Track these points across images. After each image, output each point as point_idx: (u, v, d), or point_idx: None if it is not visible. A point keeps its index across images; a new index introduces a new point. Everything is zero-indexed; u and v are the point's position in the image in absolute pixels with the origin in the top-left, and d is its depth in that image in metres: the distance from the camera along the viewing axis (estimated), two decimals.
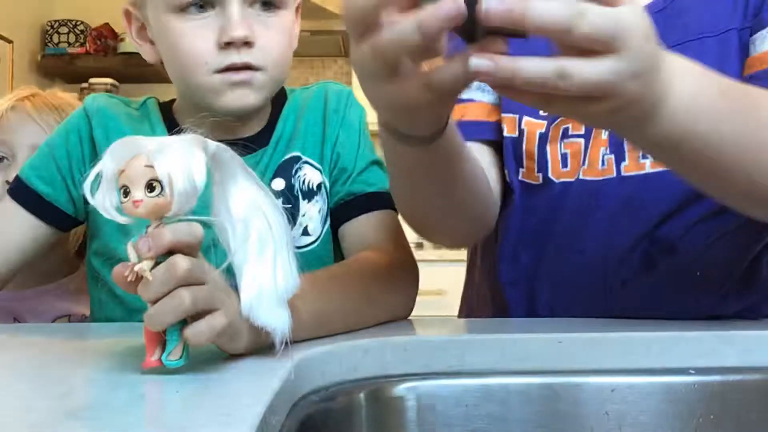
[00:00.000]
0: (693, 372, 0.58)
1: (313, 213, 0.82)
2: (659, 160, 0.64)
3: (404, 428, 0.57)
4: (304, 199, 0.82)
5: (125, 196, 0.46)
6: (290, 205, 0.81)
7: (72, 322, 1.05)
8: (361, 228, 0.82)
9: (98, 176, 0.47)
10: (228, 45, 0.76)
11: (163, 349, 0.47)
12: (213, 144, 0.49)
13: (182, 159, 0.46)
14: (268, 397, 0.42)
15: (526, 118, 0.81)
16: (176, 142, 0.47)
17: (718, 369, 0.58)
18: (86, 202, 0.84)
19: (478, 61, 0.44)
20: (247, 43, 0.76)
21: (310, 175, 0.83)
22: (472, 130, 0.82)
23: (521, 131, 0.81)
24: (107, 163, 0.46)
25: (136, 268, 0.46)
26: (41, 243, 0.83)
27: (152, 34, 0.82)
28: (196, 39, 0.77)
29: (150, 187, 0.45)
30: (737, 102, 0.57)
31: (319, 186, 0.83)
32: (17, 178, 0.84)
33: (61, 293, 1.06)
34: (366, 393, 0.56)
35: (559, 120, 0.80)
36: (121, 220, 0.47)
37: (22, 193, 0.83)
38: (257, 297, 0.50)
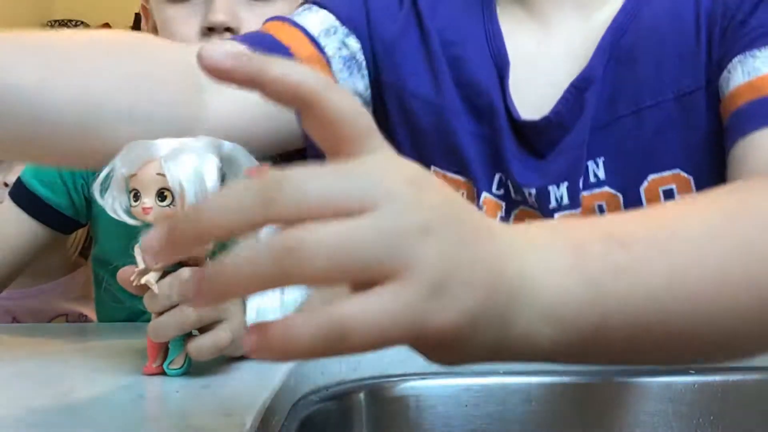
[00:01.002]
0: (693, 372, 0.58)
1: None
2: (596, 361, 0.39)
3: (404, 428, 0.57)
4: None
5: (135, 200, 0.45)
6: None
7: (69, 322, 1.05)
8: None
9: (108, 178, 0.47)
10: (210, 31, 0.76)
11: (165, 357, 0.47)
12: (227, 145, 0.48)
13: (194, 168, 0.45)
14: (268, 397, 0.42)
15: (485, 195, 0.70)
16: (189, 147, 0.46)
17: (718, 369, 0.58)
18: (88, 206, 0.84)
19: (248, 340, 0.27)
20: (229, 29, 0.76)
21: None
22: None
23: (480, 207, 0.70)
24: (118, 167, 0.46)
25: (142, 280, 0.45)
26: (41, 245, 0.83)
27: (155, 23, 0.83)
28: (181, 25, 0.77)
29: (161, 195, 0.45)
30: (655, 241, 0.34)
31: None
32: (18, 181, 0.84)
33: (60, 293, 1.06)
34: (366, 393, 0.56)
35: (518, 210, 0.70)
36: (130, 222, 0.46)
37: (22, 196, 0.83)
38: (262, 307, 0.49)
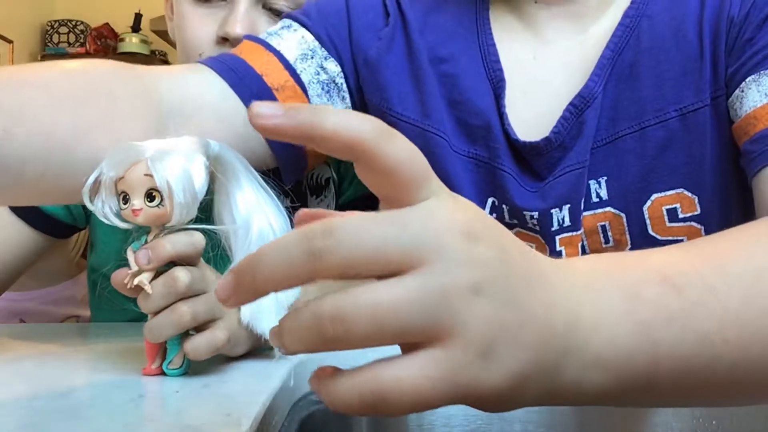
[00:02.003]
0: None
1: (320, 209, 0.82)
2: (647, 405, 0.40)
3: (404, 428, 0.57)
4: (312, 195, 0.82)
5: (125, 203, 0.45)
6: (298, 204, 0.80)
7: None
8: None
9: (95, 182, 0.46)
10: (225, 40, 0.75)
11: (164, 357, 0.47)
12: (215, 145, 0.48)
13: (182, 168, 0.45)
14: (268, 397, 0.42)
15: None
16: (176, 147, 0.46)
17: None
18: (87, 212, 0.84)
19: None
20: None
21: (318, 169, 0.82)
22: None
23: None
24: (106, 170, 0.46)
25: (135, 281, 0.45)
26: (39, 250, 0.83)
27: (172, 11, 0.82)
28: (197, 28, 0.77)
29: (149, 196, 0.45)
30: (707, 283, 0.33)
31: (327, 181, 0.82)
32: None
33: (67, 295, 1.06)
34: None
35: (514, 232, 0.69)
36: (122, 225, 0.46)
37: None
38: (257, 305, 0.49)
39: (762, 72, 0.60)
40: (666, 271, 0.33)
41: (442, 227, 0.28)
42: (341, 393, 0.27)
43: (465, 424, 0.57)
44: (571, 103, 0.65)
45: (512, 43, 0.69)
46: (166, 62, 3.04)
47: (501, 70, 0.68)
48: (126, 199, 0.45)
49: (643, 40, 0.65)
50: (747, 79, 0.60)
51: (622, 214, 0.65)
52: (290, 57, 0.68)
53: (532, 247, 0.42)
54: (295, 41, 0.69)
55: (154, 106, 0.58)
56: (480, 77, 0.68)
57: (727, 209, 0.65)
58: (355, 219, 0.27)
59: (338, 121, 0.29)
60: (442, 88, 0.69)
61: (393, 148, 0.29)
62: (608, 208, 0.65)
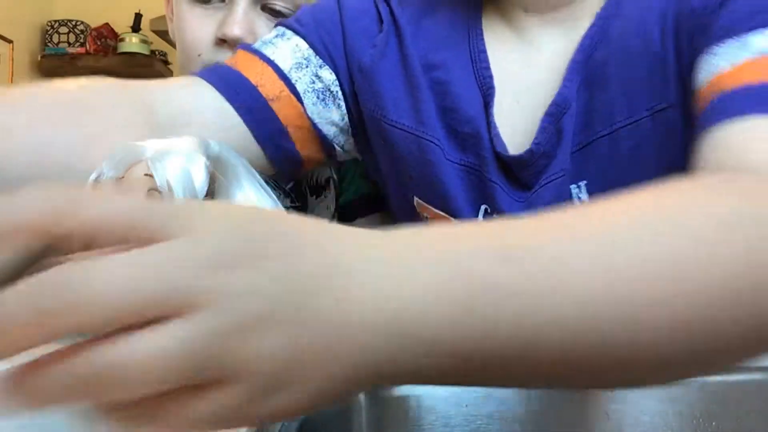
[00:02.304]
0: None
1: (321, 209, 0.82)
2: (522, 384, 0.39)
3: (404, 428, 0.57)
4: (312, 195, 0.82)
5: None
6: (298, 204, 0.80)
7: None
8: None
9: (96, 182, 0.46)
10: (223, 42, 0.75)
11: None
12: (216, 145, 0.48)
13: (182, 168, 0.45)
14: None
15: None
16: (176, 147, 0.46)
17: None
18: None
19: None
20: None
21: (318, 169, 0.82)
22: None
23: None
24: (106, 170, 0.46)
25: None
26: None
27: (172, 12, 0.83)
28: (196, 29, 0.77)
29: (150, 196, 0.45)
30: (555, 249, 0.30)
31: (327, 181, 0.82)
32: None
33: None
34: (366, 393, 0.56)
35: None
36: None
37: None
38: None
39: (714, 45, 0.58)
40: (503, 242, 0.29)
41: (188, 266, 0.24)
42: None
43: (465, 424, 0.57)
44: (546, 113, 0.65)
45: (502, 50, 0.69)
46: (166, 62, 3.04)
47: (491, 77, 0.68)
48: None
49: (612, 41, 0.64)
50: (706, 54, 0.58)
51: None
52: (285, 66, 0.68)
53: None
54: (289, 50, 0.69)
55: (148, 120, 0.58)
56: (470, 84, 0.68)
57: None
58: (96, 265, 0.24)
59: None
60: (434, 96, 0.69)
61: (87, 214, 0.24)
62: None
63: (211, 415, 0.24)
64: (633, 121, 0.63)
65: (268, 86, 0.67)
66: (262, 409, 0.25)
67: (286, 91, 0.68)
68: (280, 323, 0.25)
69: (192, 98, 0.64)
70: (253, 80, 0.67)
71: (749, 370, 0.58)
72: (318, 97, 0.69)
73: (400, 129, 0.69)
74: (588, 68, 0.65)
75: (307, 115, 0.69)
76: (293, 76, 0.68)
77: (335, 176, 0.82)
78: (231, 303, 0.24)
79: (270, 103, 0.67)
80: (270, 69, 0.68)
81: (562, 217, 0.32)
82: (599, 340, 0.28)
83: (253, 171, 0.51)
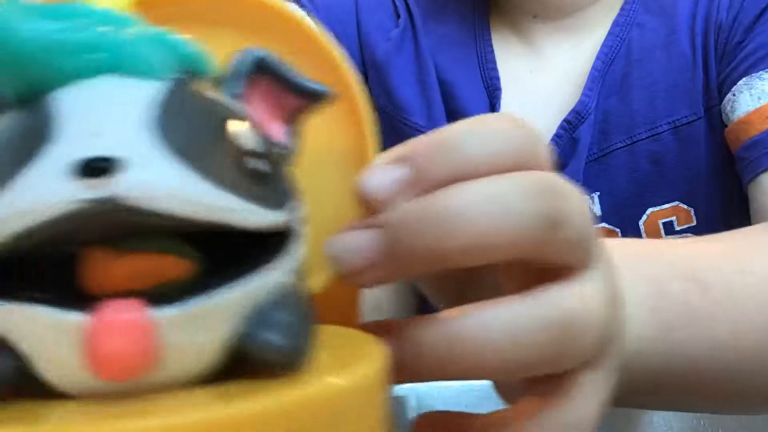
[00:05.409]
0: None
1: None
2: (642, 407, 0.42)
3: (404, 428, 0.57)
4: None
5: None
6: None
7: None
8: None
9: None
10: None
11: None
12: None
13: None
14: None
15: None
16: None
17: None
18: None
19: None
20: None
21: None
22: None
23: None
24: None
25: None
26: None
27: None
28: None
29: None
30: (730, 285, 0.32)
31: None
32: None
33: None
34: None
35: None
36: None
37: None
38: None
39: (753, 75, 0.59)
40: (692, 266, 0.31)
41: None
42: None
43: None
44: (565, 120, 0.64)
45: (509, 57, 0.69)
46: None
47: (498, 78, 0.67)
48: None
49: (634, 50, 0.64)
50: (738, 83, 0.59)
51: (617, 230, 0.64)
52: None
53: None
54: None
55: None
56: (476, 86, 0.68)
57: (724, 218, 0.64)
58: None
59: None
60: (442, 96, 0.68)
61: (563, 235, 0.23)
62: (602, 224, 0.64)
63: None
64: (653, 134, 0.63)
65: None
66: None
67: None
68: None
69: None
70: None
71: None
72: None
73: (412, 126, 0.68)
74: (607, 78, 0.64)
75: None
76: None
77: None
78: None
79: None
80: None
81: (719, 247, 0.35)
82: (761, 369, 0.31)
83: None
